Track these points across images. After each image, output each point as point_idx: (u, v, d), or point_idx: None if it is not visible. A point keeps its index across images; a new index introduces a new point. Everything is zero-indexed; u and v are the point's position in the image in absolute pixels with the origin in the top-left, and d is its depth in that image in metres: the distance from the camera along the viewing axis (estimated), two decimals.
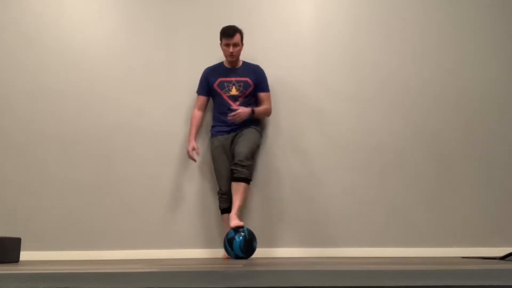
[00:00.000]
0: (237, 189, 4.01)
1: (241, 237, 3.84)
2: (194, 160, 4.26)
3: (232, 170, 4.07)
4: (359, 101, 4.52)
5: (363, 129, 4.49)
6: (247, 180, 4.05)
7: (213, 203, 4.35)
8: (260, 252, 4.01)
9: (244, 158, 4.04)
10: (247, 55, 4.37)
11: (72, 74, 4.50)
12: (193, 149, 4.22)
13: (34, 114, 4.45)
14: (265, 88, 4.33)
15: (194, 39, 4.54)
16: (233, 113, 4.14)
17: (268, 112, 4.38)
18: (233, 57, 4.24)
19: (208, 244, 4.35)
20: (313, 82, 4.54)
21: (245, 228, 3.91)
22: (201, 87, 4.34)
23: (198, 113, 4.33)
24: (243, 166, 4.02)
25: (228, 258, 4.07)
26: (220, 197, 4.24)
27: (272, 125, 4.48)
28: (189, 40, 4.54)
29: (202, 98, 4.34)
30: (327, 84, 4.54)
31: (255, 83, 4.28)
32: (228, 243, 3.86)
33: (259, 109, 4.28)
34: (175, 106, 4.48)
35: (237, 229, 3.88)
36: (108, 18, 4.61)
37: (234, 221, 3.90)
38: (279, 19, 4.61)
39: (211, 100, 4.38)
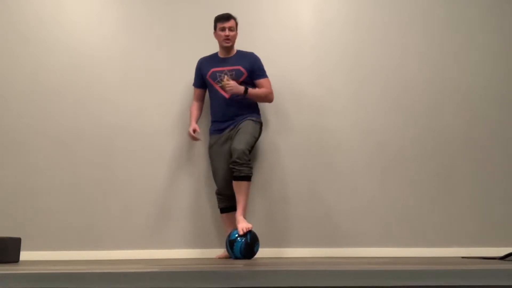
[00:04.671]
0: (239, 188, 3.94)
1: (242, 241, 3.80)
2: (198, 139, 4.16)
3: (231, 168, 3.98)
4: (360, 101, 4.51)
5: (363, 129, 4.48)
6: (248, 178, 3.95)
7: (212, 203, 4.34)
8: (260, 252, 4.00)
9: (241, 154, 3.92)
10: None
11: (71, 74, 4.48)
12: (194, 130, 4.12)
13: (33, 114, 4.43)
14: (262, 74, 4.19)
15: (194, 39, 4.53)
16: (226, 82, 4.02)
17: (267, 96, 4.17)
18: (228, 42, 4.15)
19: (208, 244, 4.34)
20: (313, 82, 4.53)
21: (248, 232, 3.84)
22: (196, 79, 4.30)
23: (196, 103, 4.28)
24: (241, 164, 3.91)
25: (220, 258, 4.08)
26: (217, 197, 4.22)
27: (273, 125, 4.48)
28: (189, 40, 4.53)
29: (198, 91, 4.29)
30: (327, 84, 4.54)
31: (249, 70, 4.15)
32: (229, 244, 3.84)
33: (254, 90, 4.12)
34: (174, 106, 4.46)
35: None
36: (107, 18, 4.60)
37: (242, 224, 3.84)
38: (279, 19, 4.60)
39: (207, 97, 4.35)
